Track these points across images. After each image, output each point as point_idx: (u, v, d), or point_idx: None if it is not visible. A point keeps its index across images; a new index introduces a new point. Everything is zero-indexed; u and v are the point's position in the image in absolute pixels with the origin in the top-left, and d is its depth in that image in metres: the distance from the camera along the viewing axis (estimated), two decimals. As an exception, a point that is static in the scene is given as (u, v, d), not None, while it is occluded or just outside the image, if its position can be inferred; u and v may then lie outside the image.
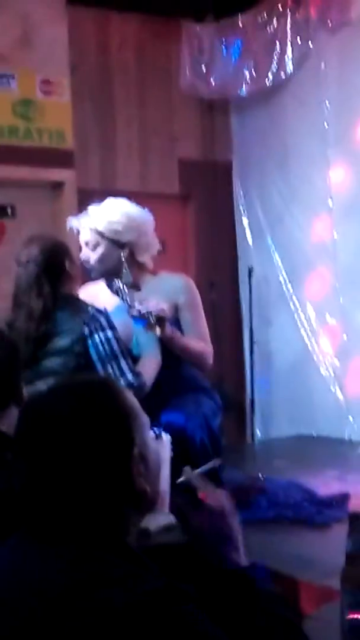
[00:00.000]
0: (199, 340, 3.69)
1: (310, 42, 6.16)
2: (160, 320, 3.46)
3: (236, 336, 6.89)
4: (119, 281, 3.68)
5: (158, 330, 3.47)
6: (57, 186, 6.22)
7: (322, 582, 2.61)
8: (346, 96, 6.11)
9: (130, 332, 3.56)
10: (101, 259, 3.63)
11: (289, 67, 6.27)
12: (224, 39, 6.49)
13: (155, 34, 6.60)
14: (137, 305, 3.45)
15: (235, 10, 6.41)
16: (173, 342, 3.57)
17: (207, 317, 3.85)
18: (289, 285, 6.62)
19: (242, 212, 6.96)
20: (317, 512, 3.90)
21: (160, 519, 2.88)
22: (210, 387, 3.91)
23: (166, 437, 3.18)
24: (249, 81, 6.46)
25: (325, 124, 6.24)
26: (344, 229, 6.23)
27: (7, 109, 5.94)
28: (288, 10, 6.14)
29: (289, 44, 6.21)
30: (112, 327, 3.23)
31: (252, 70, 6.42)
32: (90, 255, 3.64)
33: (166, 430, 3.30)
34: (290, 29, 6.17)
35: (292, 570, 2.87)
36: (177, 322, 3.65)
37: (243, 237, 6.96)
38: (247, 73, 6.44)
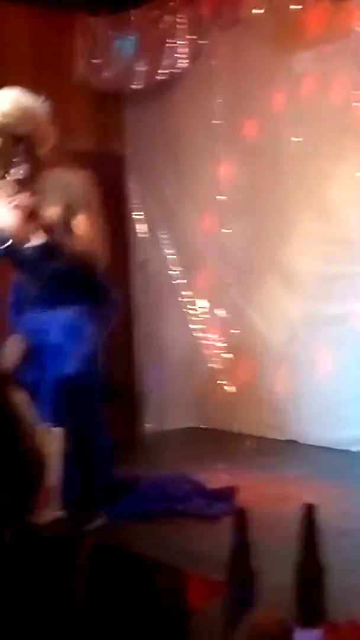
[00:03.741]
0: (85, 243, 3.57)
1: (202, 40, 6.21)
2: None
3: (128, 329, 6.90)
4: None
5: None
6: None
7: (210, 576, 2.66)
8: (236, 93, 6.19)
9: None
10: None
11: (181, 63, 6.30)
12: (117, 33, 6.48)
13: (49, 24, 6.50)
14: None
15: (129, 5, 6.40)
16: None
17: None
18: (180, 279, 6.68)
19: (135, 205, 6.97)
20: (206, 505, 3.96)
21: (49, 513, 2.89)
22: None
23: (58, 431, 3.17)
24: (142, 76, 6.47)
25: (215, 120, 6.31)
26: (233, 224, 6.33)
27: None
28: (180, 7, 6.18)
29: (181, 40, 6.25)
30: None
31: (145, 65, 6.43)
32: None
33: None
34: (183, 26, 6.20)
35: (181, 564, 2.92)
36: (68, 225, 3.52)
37: (136, 230, 6.98)
38: (140, 68, 6.45)
